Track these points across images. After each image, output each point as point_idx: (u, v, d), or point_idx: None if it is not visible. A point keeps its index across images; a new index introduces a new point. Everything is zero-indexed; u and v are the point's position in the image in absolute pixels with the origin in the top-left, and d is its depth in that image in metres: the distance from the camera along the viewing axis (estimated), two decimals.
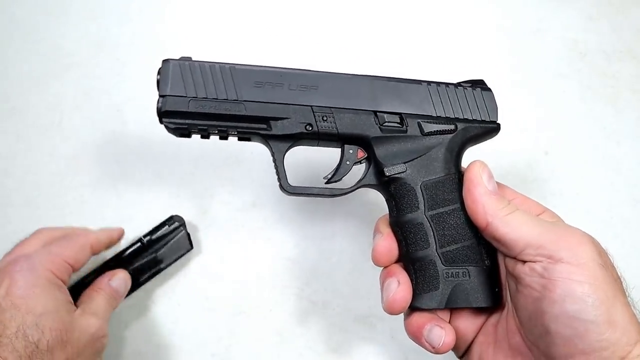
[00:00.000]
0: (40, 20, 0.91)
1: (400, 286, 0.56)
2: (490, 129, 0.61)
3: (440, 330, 0.55)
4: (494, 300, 0.56)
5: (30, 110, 0.87)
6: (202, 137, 0.58)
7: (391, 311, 0.56)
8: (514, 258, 0.52)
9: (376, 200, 0.85)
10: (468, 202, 0.55)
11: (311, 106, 0.57)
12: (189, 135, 0.58)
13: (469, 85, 0.61)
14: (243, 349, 0.80)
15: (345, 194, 0.60)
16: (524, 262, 0.51)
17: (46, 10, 0.92)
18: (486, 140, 0.62)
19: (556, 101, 0.92)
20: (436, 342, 0.55)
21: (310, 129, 0.57)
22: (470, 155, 0.61)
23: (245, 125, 0.57)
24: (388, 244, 0.58)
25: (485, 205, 0.54)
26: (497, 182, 0.57)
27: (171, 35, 0.91)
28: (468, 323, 0.59)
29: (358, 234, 0.85)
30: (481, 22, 0.96)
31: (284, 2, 0.95)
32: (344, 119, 0.58)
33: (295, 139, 0.58)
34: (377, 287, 0.82)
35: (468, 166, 0.57)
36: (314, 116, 0.57)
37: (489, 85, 0.62)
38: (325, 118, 0.57)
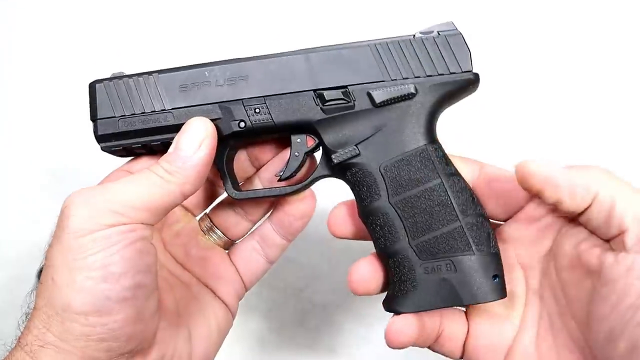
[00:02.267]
0: None
1: (366, 266, 0.50)
2: (463, 81, 0.49)
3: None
4: (493, 292, 0.46)
5: None
6: (143, 154, 0.54)
7: (353, 290, 0.50)
8: (607, 242, 0.40)
9: None
10: (558, 195, 0.41)
11: (241, 99, 0.50)
12: (129, 155, 0.54)
13: (430, 32, 0.50)
14: (243, 349, 0.80)
15: (299, 190, 0.53)
16: (620, 251, 0.39)
17: None
18: (464, 96, 0.51)
19: None
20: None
21: (244, 125, 0.50)
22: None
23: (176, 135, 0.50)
24: (367, 272, 0.50)
25: (580, 184, 0.40)
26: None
27: (148, 48, 0.90)
28: (493, 333, 0.48)
29: None
30: None
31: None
32: (279, 106, 0.50)
33: (234, 139, 0.52)
34: None
35: (516, 166, 0.44)
36: (245, 110, 0.50)
37: (457, 28, 0.50)
38: (257, 110, 0.50)
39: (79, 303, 0.42)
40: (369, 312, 0.83)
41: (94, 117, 0.52)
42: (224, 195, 0.60)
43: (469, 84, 0.49)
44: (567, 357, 0.43)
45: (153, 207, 0.45)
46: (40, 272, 0.77)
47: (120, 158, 0.56)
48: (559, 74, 0.90)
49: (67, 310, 0.42)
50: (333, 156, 0.50)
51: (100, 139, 0.52)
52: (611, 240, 0.40)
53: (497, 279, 0.46)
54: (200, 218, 0.60)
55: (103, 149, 0.53)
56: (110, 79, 0.53)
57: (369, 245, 0.85)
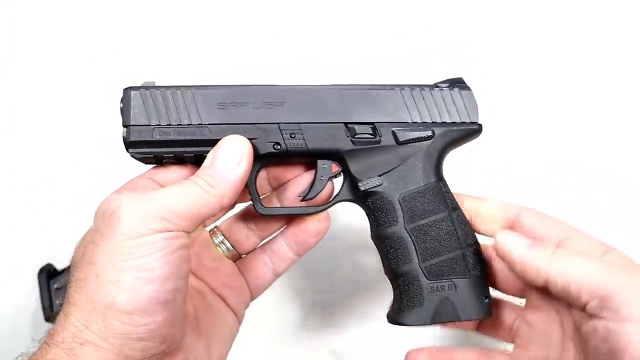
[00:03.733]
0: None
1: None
2: (470, 130, 0.57)
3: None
4: (483, 311, 0.53)
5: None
6: (171, 163, 0.55)
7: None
8: (582, 311, 0.45)
9: None
10: (518, 270, 0.48)
11: (278, 123, 0.54)
12: (157, 163, 0.56)
13: (446, 85, 0.57)
14: (243, 349, 0.80)
15: (321, 211, 0.58)
16: (590, 318, 0.43)
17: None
18: (467, 142, 0.58)
19: None
20: None
21: (279, 147, 0.54)
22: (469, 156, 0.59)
23: (211, 148, 0.53)
24: None
25: (532, 261, 0.46)
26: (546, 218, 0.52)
27: (136, 59, 0.90)
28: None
29: (358, 234, 0.85)
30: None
31: (259, 15, 0.95)
32: (313, 134, 0.55)
33: (265, 159, 0.56)
34: (377, 287, 0.83)
35: (494, 244, 0.50)
36: (282, 134, 0.54)
37: (467, 84, 0.58)
38: (293, 135, 0.55)
39: (124, 301, 0.43)
40: (369, 312, 0.83)
41: (126, 123, 0.53)
42: (236, 209, 0.62)
43: (474, 132, 0.57)
44: None
45: (194, 216, 0.47)
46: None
47: (143, 165, 0.57)
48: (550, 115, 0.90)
49: (111, 307, 0.43)
50: (360, 184, 0.55)
51: (130, 145, 0.53)
52: (583, 309, 0.44)
53: (487, 299, 0.54)
54: (211, 230, 0.62)
55: (132, 154, 0.54)
56: (146, 88, 0.54)
57: (369, 245, 0.85)
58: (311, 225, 0.59)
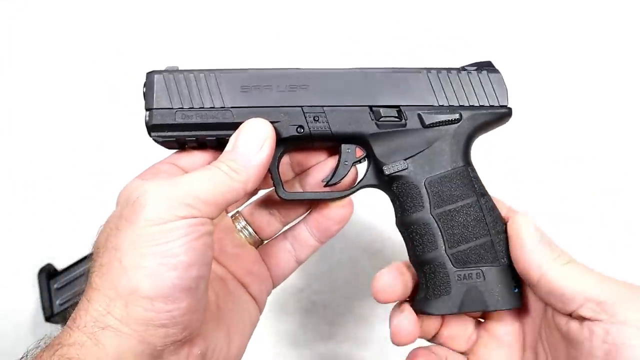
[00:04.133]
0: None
1: (408, 318, 0.52)
2: (500, 114, 0.55)
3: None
4: (512, 301, 0.51)
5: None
6: (193, 147, 0.55)
7: (397, 343, 0.52)
8: (569, 315, 0.46)
9: (377, 201, 0.85)
10: (516, 254, 0.49)
11: (301, 107, 0.54)
12: (179, 147, 0.55)
13: (474, 68, 0.56)
14: None
15: (345, 196, 0.57)
16: (582, 320, 0.44)
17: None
18: (497, 126, 0.57)
19: None
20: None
21: (302, 131, 0.54)
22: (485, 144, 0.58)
23: (233, 132, 0.53)
24: (414, 327, 0.52)
25: (538, 255, 0.47)
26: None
27: (159, 43, 0.91)
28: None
29: (358, 234, 0.86)
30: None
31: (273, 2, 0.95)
32: (337, 117, 0.54)
33: (288, 143, 0.55)
34: None
35: (512, 218, 0.51)
36: (305, 117, 0.54)
37: (497, 67, 0.57)
38: (317, 118, 0.54)
39: (147, 287, 0.43)
40: (370, 312, 0.83)
41: (149, 107, 0.53)
42: (259, 195, 0.61)
43: (504, 116, 0.56)
44: None
45: (218, 202, 0.47)
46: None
47: (165, 149, 0.57)
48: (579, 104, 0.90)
49: (133, 293, 0.43)
50: (384, 168, 0.54)
51: (153, 128, 0.53)
52: (571, 314, 0.45)
53: (517, 289, 0.52)
54: (233, 215, 0.61)
55: (154, 138, 0.54)
56: (169, 71, 0.54)
57: (369, 244, 0.85)
58: (334, 212, 0.58)
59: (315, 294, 0.83)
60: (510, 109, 0.56)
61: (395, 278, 0.53)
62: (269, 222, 0.61)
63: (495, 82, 0.55)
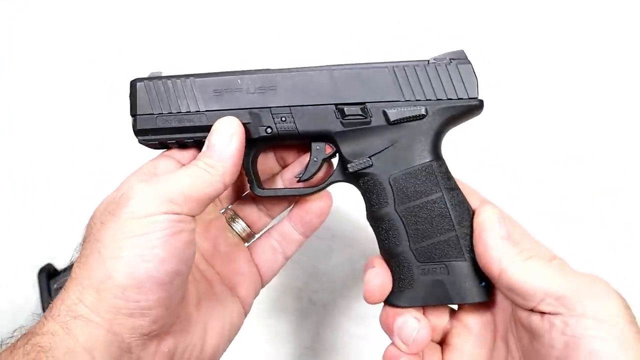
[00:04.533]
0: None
1: (376, 273, 0.53)
2: (469, 107, 0.54)
3: (415, 322, 0.51)
4: (479, 295, 0.52)
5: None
6: (179, 147, 0.58)
7: (367, 299, 0.54)
8: (530, 310, 0.47)
9: None
10: (479, 249, 0.50)
11: (269, 108, 0.55)
12: (163, 148, 0.58)
13: (443, 60, 0.55)
14: (243, 348, 0.80)
15: (316, 191, 0.58)
16: (542, 314, 0.46)
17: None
18: (468, 119, 0.56)
19: None
20: (407, 336, 0.51)
21: (270, 131, 0.55)
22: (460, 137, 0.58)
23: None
24: (380, 281, 0.54)
25: (499, 250, 0.48)
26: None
27: (159, 43, 0.91)
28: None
29: (357, 234, 0.86)
30: None
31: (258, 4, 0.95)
32: (303, 117, 0.55)
33: (260, 143, 0.57)
34: None
35: (477, 211, 0.52)
36: (273, 118, 0.55)
37: (467, 58, 0.56)
38: (284, 118, 0.55)
39: (120, 275, 0.44)
40: (369, 312, 0.83)
41: (134, 113, 0.56)
42: (248, 191, 0.63)
43: (474, 109, 0.54)
44: None
45: (200, 197, 0.49)
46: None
47: (153, 150, 0.59)
48: (556, 98, 0.90)
49: (105, 281, 0.44)
50: (349, 165, 0.55)
51: (138, 132, 0.56)
52: (532, 309, 0.46)
53: (485, 283, 0.52)
54: (225, 212, 0.63)
55: (140, 141, 0.57)
56: (150, 79, 0.57)
57: (368, 245, 0.85)
58: (315, 205, 0.60)
59: (315, 293, 0.83)
60: (481, 100, 0.54)
61: (382, 276, 0.54)
62: (259, 216, 0.63)
63: (464, 73, 0.54)
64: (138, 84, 0.56)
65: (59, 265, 0.82)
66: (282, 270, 0.82)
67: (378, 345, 0.82)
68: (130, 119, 0.56)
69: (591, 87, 0.91)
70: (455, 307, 0.56)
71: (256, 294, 0.62)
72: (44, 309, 0.78)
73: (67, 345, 0.43)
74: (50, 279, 0.80)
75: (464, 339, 0.54)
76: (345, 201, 0.85)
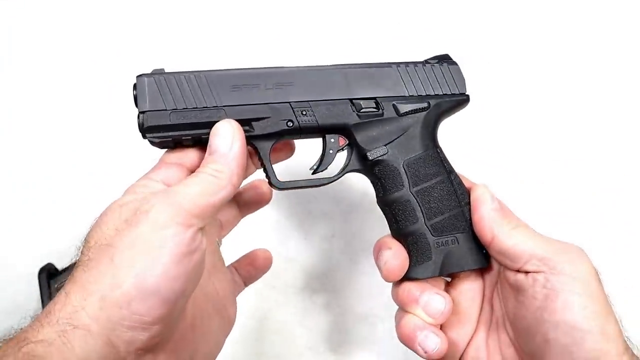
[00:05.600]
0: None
1: (395, 254, 0.58)
2: (460, 101, 0.63)
3: (436, 337, 0.55)
4: (482, 261, 0.59)
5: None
6: (186, 145, 0.58)
7: (388, 279, 0.58)
8: (517, 270, 0.54)
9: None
10: (475, 219, 0.57)
11: (289, 102, 0.58)
12: (174, 146, 0.57)
13: (436, 61, 0.63)
14: (243, 348, 0.80)
15: (333, 181, 0.62)
16: (527, 273, 0.53)
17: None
18: (457, 111, 0.64)
19: None
20: (430, 348, 0.55)
21: (292, 124, 0.58)
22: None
23: None
24: (401, 259, 0.58)
25: (491, 220, 0.56)
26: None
27: (159, 43, 0.91)
28: (459, 332, 0.59)
29: (358, 234, 0.86)
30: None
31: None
32: (322, 110, 0.59)
33: (278, 136, 0.59)
34: (377, 287, 0.83)
35: (472, 188, 0.59)
36: (294, 112, 0.58)
37: (454, 59, 0.64)
38: (304, 112, 0.59)
39: (130, 286, 0.44)
40: (370, 312, 0.83)
41: (142, 109, 0.55)
42: None
43: (463, 102, 0.64)
44: (506, 352, 0.57)
45: (214, 203, 0.50)
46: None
47: (154, 149, 0.58)
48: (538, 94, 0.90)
49: (114, 290, 0.43)
50: (368, 154, 0.60)
51: (147, 130, 0.55)
52: (519, 270, 0.54)
53: (485, 251, 0.59)
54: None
55: (150, 139, 0.56)
56: (160, 74, 0.56)
57: (368, 245, 0.85)
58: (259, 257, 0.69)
59: (315, 294, 0.83)
60: (468, 95, 0.63)
61: (401, 255, 0.59)
62: (218, 228, 0.66)
63: (454, 73, 0.63)
64: (147, 79, 0.55)
65: (59, 265, 0.82)
66: (282, 270, 0.82)
67: (380, 344, 0.82)
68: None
69: (591, 87, 0.92)
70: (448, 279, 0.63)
71: (235, 312, 0.65)
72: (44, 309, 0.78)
73: (64, 357, 0.42)
74: (51, 279, 0.79)
75: (458, 303, 0.60)
76: (346, 201, 0.85)
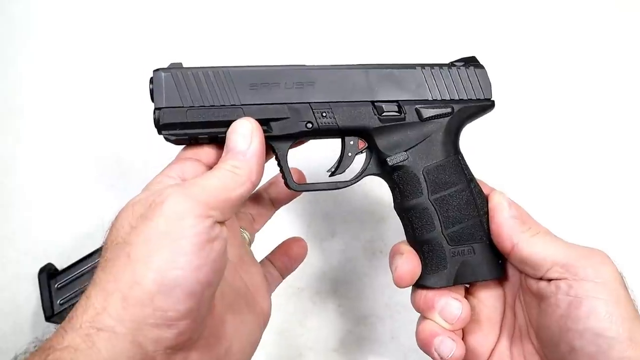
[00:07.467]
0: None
1: (406, 260, 0.57)
2: (484, 106, 0.61)
3: (452, 342, 0.55)
4: (497, 272, 0.58)
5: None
6: (202, 143, 0.56)
7: (399, 284, 0.57)
8: (539, 278, 0.53)
9: (377, 200, 0.85)
10: (493, 228, 0.56)
11: (309, 103, 0.56)
12: (189, 143, 0.56)
13: (462, 64, 0.60)
14: None
15: (351, 184, 0.60)
16: (549, 281, 0.51)
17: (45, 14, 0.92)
18: (480, 117, 0.62)
19: None
20: (445, 353, 0.54)
21: (311, 126, 0.56)
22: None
23: None
24: (411, 266, 0.57)
25: (510, 228, 0.54)
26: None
27: (159, 41, 0.91)
28: (481, 340, 0.58)
29: (358, 233, 0.86)
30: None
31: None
32: (343, 112, 0.57)
33: (297, 137, 0.57)
34: (377, 287, 0.83)
35: (489, 195, 0.58)
36: (313, 113, 0.56)
37: (481, 62, 0.61)
38: (324, 114, 0.56)
39: (150, 281, 0.42)
40: (370, 312, 0.83)
41: (159, 106, 0.53)
42: None
43: (487, 108, 0.61)
44: None
45: (232, 198, 0.49)
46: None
47: (154, 149, 0.58)
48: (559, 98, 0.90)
49: (133, 287, 0.42)
50: (388, 159, 0.58)
51: (163, 127, 0.53)
52: (541, 278, 0.52)
53: (500, 261, 0.58)
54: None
55: (165, 136, 0.54)
56: (178, 69, 0.54)
57: (369, 245, 0.85)
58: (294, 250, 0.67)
59: (316, 294, 0.83)
60: (493, 101, 0.61)
61: (412, 262, 0.58)
62: (251, 225, 0.65)
63: (480, 77, 0.60)
64: (164, 74, 0.53)
65: (59, 265, 0.82)
66: None
67: (380, 344, 0.82)
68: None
69: (592, 87, 0.92)
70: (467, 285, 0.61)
71: (270, 307, 0.62)
72: (44, 309, 0.78)
73: None
74: (51, 279, 0.79)
75: (479, 311, 0.59)
76: (347, 200, 0.85)
